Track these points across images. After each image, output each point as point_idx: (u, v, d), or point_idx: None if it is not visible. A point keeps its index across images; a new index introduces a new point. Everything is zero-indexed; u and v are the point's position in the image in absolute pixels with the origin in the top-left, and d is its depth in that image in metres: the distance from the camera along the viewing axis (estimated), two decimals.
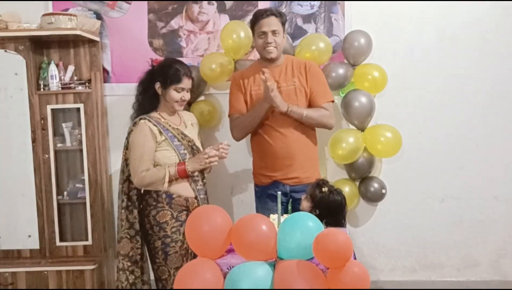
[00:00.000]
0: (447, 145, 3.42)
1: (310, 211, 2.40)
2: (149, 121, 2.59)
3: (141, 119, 2.60)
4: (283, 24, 2.80)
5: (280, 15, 2.78)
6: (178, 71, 2.63)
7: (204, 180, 2.76)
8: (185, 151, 2.64)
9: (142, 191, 2.64)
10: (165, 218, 2.59)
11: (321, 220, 2.30)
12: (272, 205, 2.77)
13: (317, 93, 2.83)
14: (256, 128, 2.85)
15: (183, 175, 2.57)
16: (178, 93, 2.63)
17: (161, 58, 2.67)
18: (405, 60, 3.35)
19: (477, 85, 3.37)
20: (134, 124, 2.62)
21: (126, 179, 2.68)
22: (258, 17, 2.77)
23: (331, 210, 2.42)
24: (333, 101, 2.91)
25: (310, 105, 2.85)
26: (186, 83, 2.65)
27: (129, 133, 2.64)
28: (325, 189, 2.46)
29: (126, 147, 2.66)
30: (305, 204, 2.49)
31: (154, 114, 2.66)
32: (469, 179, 3.44)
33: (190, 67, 3.28)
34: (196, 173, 2.65)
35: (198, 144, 2.73)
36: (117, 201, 2.72)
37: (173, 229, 2.59)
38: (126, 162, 2.68)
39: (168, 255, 2.59)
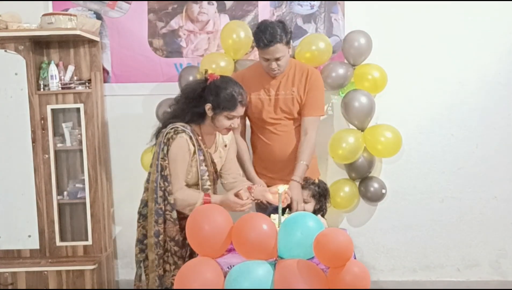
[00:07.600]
0: (447, 145, 3.42)
1: (314, 207, 2.65)
2: (190, 138, 2.40)
3: (182, 130, 2.40)
4: (288, 42, 2.62)
5: (285, 35, 2.57)
6: (233, 98, 2.40)
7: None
8: (207, 178, 2.49)
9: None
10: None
11: (321, 213, 2.65)
12: (272, 205, 2.76)
13: (308, 104, 2.75)
14: (256, 130, 2.86)
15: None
16: (229, 120, 2.44)
17: (216, 75, 2.46)
18: (405, 60, 3.35)
19: (477, 85, 3.37)
20: (175, 132, 2.39)
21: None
22: (261, 45, 2.57)
23: (326, 196, 2.72)
24: (322, 115, 2.85)
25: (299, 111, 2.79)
26: (240, 111, 2.45)
27: (168, 140, 2.38)
28: (316, 181, 2.70)
29: (164, 157, 2.37)
30: (309, 206, 2.63)
31: (195, 128, 2.46)
32: (469, 179, 3.44)
33: (190, 67, 3.31)
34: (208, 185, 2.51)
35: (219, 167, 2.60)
36: (154, 217, 2.38)
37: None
38: (163, 171, 2.38)
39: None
